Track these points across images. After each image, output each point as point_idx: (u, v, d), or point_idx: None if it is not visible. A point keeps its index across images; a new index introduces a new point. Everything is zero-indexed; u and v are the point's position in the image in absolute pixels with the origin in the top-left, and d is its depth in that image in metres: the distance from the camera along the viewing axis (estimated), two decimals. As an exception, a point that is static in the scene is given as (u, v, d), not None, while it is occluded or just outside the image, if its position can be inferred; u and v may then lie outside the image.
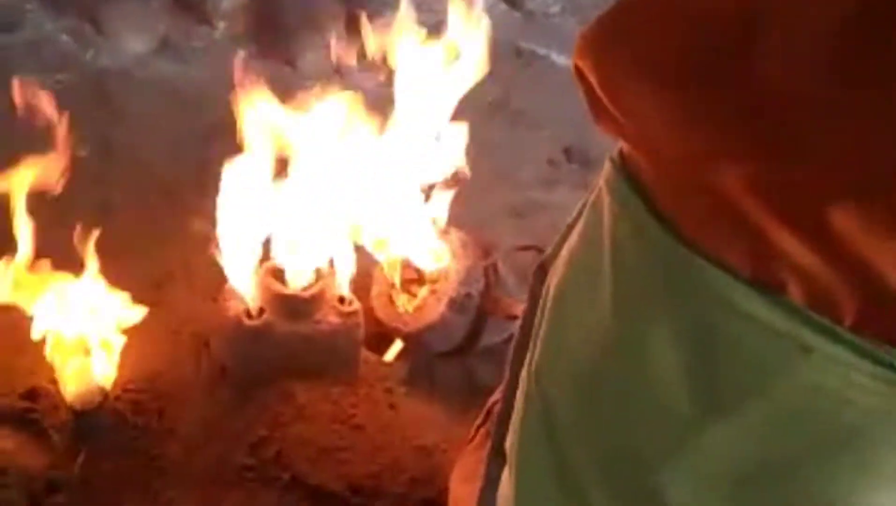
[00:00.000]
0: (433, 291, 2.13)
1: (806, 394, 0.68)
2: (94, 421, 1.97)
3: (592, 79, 0.72)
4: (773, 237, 0.63)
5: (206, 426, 2.02)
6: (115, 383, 2.04)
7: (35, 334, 1.96)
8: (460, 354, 2.13)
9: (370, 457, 1.96)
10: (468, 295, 2.12)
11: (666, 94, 0.66)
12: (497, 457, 1.08)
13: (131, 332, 2.06)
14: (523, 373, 0.88)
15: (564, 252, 0.85)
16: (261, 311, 2.02)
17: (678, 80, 0.65)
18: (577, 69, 0.74)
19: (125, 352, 2.05)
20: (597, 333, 0.77)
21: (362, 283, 2.18)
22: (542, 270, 0.93)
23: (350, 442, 1.99)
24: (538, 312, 0.87)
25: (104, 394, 1.99)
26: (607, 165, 0.78)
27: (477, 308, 2.11)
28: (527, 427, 0.87)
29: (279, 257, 2.02)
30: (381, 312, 2.16)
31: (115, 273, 2.04)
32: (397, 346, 2.17)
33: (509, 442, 0.90)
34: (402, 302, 2.15)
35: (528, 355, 0.87)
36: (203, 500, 1.88)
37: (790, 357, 0.67)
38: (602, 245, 0.76)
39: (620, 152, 0.77)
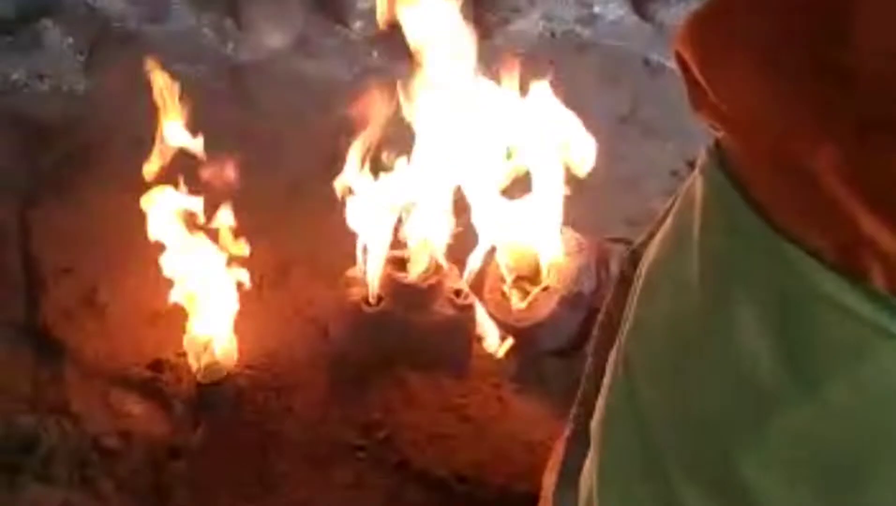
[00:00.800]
0: (545, 289, 2.13)
1: (889, 380, 0.68)
2: (216, 395, 2.03)
3: (692, 62, 0.73)
4: (860, 223, 0.64)
5: (321, 406, 2.07)
6: (238, 361, 2.10)
7: (172, 299, 2.03)
8: (570, 352, 2.12)
9: (476, 447, 1.98)
10: (579, 293, 2.12)
11: (763, 74, 0.66)
12: (577, 442, 1.10)
13: (256, 313, 2.14)
14: (611, 356, 0.89)
15: (657, 237, 0.86)
16: (379, 299, 2.06)
17: (776, 61, 0.65)
18: (679, 56, 0.75)
19: (249, 332, 2.12)
20: (684, 314, 0.78)
21: (477, 277, 2.20)
22: (635, 256, 0.94)
23: (458, 431, 2.01)
24: (629, 297, 0.88)
25: (227, 370, 2.06)
26: (703, 154, 0.78)
27: (588, 307, 2.11)
28: (613, 409, 0.87)
29: (406, 245, 2.06)
30: (494, 308, 2.16)
31: (243, 257, 2.13)
32: (508, 342, 2.17)
33: (594, 424, 0.90)
34: (515, 298, 2.15)
35: (617, 339, 0.87)
36: (315, 475, 1.92)
37: (873, 342, 0.67)
38: (692, 229, 0.77)
39: (716, 142, 0.78)
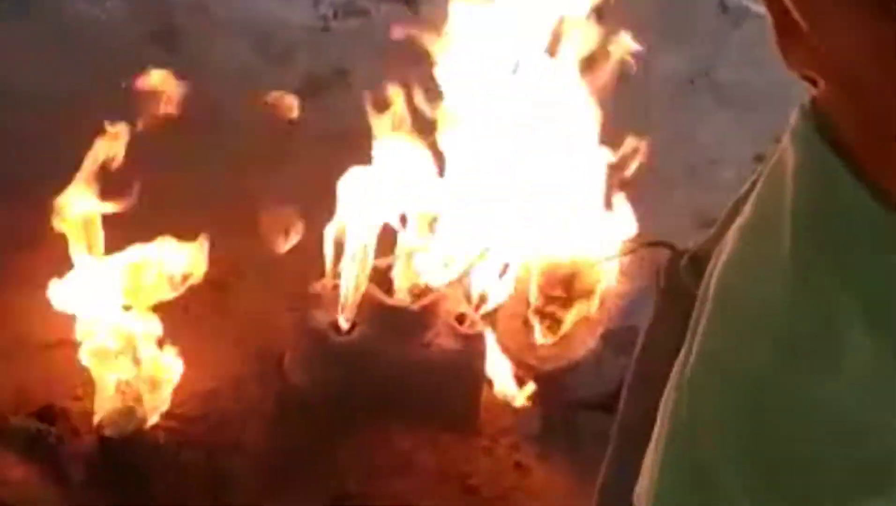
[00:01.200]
0: (585, 319, 2.13)
1: None
2: (126, 453, 1.97)
3: None
4: None
5: (272, 474, 2.00)
6: (158, 408, 2.03)
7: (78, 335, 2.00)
8: (614, 404, 1.95)
9: None
10: (631, 328, 2.08)
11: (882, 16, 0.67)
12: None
13: (185, 340, 2.06)
14: (667, 391, 0.89)
15: (730, 234, 0.86)
16: (353, 324, 2.03)
17: None
18: None
19: (175, 366, 2.06)
20: (772, 311, 0.79)
21: (491, 300, 2.18)
22: (697, 264, 0.97)
23: None
24: (694, 316, 0.88)
25: (141, 419, 1.99)
26: (795, 116, 0.80)
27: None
28: (670, 469, 0.87)
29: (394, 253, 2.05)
30: (512, 341, 2.16)
31: (171, 263, 2.10)
32: (530, 387, 2.17)
33: (639, 494, 0.91)
34: (541, 330, 2.16)
35: (675, 374, 0.88)
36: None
37: None
38: (782, 208, 0.78)
39: (813, 101, 0.79)
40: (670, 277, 1.09)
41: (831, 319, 0.77)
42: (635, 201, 2.20)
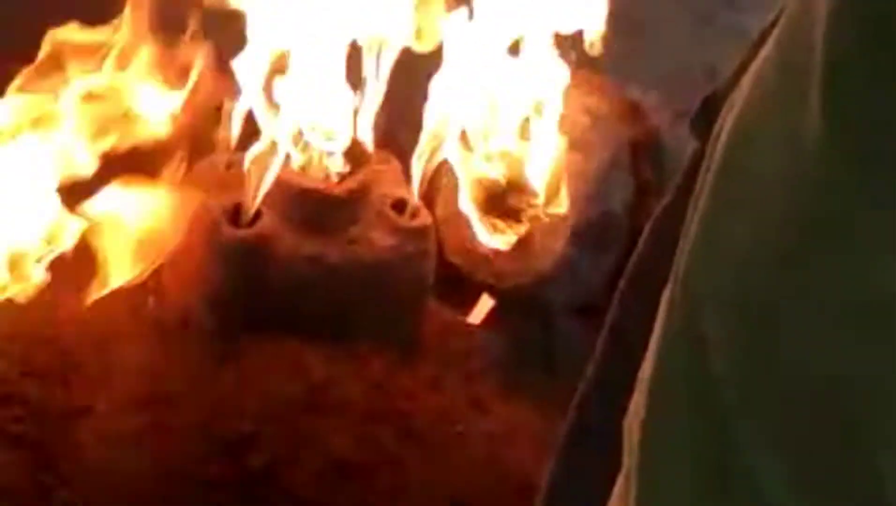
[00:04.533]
0: (538, 218, 2.00)
1: None
2: None
3: None
4: None
5: (146, 409, 1.83)
6: None
7: None
8: (599, 312, 1.75)
9: (428, 489, 1.82)
10: (605, 215, 2.00)
11: None
12: (575, 455, 1.02)
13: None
14: (667, 290, 0.76)
15: (751, 70, 0.75)
16: (257, 214, 1.85)
17: None
18: None
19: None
20: (796, 183, 0.67)
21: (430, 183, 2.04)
22: (708, 110, 0.83)
23: (395, 459, 1.82)
24: (699, 179, 0.76)
25: None
26: None
27: (626, 233, 2.03)
28: (666, 388, 0.75)
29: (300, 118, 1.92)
30: (455, 252, 2.02)
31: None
32: (487, 302, 2.04)
33: (630, 421, 0.77)
34: (490, 234, 2.01)
35: (675, 264, 0.76)
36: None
37: None
38: (812, 50, 0.65)
39: None
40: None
41: (874, 197, 0.63)
42: (632, 52, 2.11)
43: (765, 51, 0.75)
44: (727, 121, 0.76)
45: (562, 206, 2.02)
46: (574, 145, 2.03)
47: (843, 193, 0.66)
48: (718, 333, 0.72)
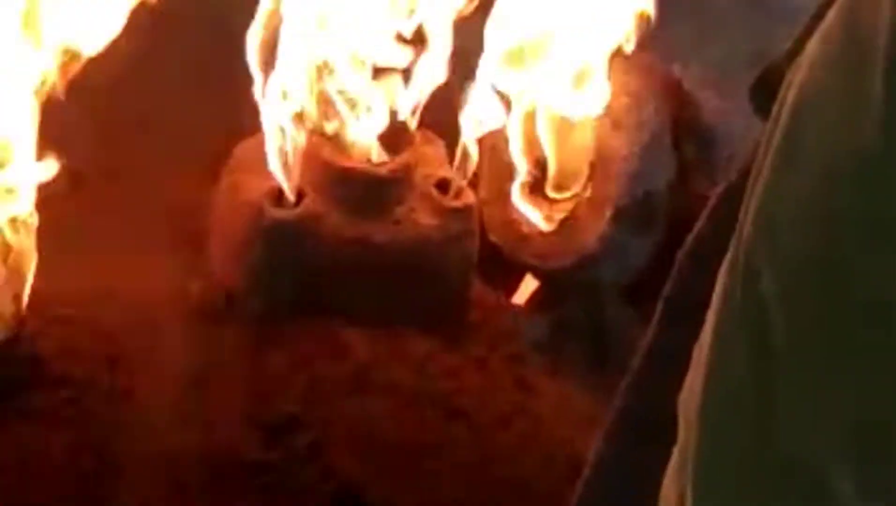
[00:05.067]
0: (581, 199, 1.99)
1: None
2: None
3: None
4: None
5: (191, 391, 1.84)
6: (37, 304, 1.85)
7: None
8: (642, 293, 1.91)
9: (474, 470, 1.81)
10: (648, 194, 1.97)
11: None
12: (625, 436, 1.04)
13: (67, 214, 1.89)
14: (726, 262, 0.77)
15: (810, 49, 0.76)
16: (300, 195, 1.85)
17: None
18: None
19: (56, 249, 1.85)
20: (859, 155, 0.68)
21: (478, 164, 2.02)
22: (766, 82, 0.83)
23: (441, 440, 1.82)
24: (761, 147, 0.76)
25: (17, 321, 1.82)
26: None
27: (666, 213, 2.00)
28: (725, 369, 0.76)
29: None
30: (498, 234, 2.02)
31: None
32: (531, 283, 2.05)
33: (684, 400, 0.79)
34: (533, 214, 2.01)
35: (735, 240, 0.76)
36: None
37: None
38: (879, 10, 0.67)
39: None
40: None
41: None
42: (680, 35, 2.09)
43: (825, 25, 0.75)
44: (788, 95, 0.76)
45: (605, 186, 2.01)
46: (616, 125, 2.02)
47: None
48: (779, 301, 0.73)
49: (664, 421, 0.84)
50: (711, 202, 1.01)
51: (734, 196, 0.88)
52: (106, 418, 1.85)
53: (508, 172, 2.05)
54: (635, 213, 1.99)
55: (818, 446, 0.72)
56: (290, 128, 1.92)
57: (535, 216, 2.04)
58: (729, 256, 0.79)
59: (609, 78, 2.10)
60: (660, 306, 1.06)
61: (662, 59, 2.17)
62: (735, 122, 1.88)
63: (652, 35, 2.11)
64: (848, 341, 0.71)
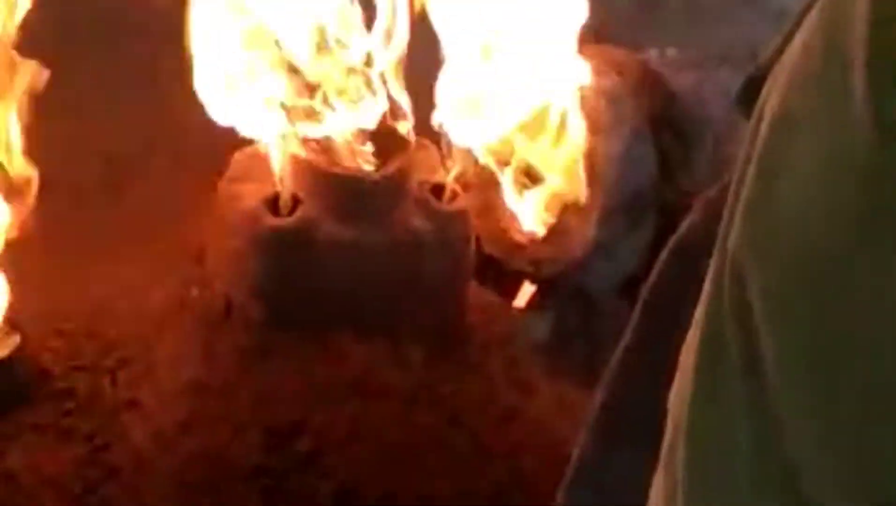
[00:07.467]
0: (569, 204, 2.02)
1: None
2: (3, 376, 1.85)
3: None
4: None
5: (193, 400, 1.84)
6: (38, 317, 1.89)
7: None
8: (635, 291, 1.84)
9: (473, 473, 1.82)
10: (634, 192, 2.01)
11: None
12: (607, 434, 1.00)
13: (67, 226, 1.91)
14: (712, 269, 0.72)
15: (793, 46, 0.71)
16: (294, 202, 1.85)
17: None
18: None
19: (58, 261, 1.90)
20: (841, 162, 0.62)
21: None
22: (752, 88, 0.76)
23: (440, 444, 1.83)
24: (745, 150, 0.70)
25: (18, 335, 1.83)
26: None
27: (658, 208, 2.03)
28: (710, 375, 0.70)
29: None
30: (491, 242, 2.05)
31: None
32: (529, 289, 2.07)
33: (673, 400, 0.74)
34: (523, 221, 2.06)
35: (718, 245, 0.71)
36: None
37: None
38: (851, 24, 0.62)
39: None
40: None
41: None
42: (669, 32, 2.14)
43: (806, 26, 0.72)
44: (770, 98, 0.73)
45: (590, 190, 2.02)
46: (594, 129, 2.03)
47: (891, 175, 0.62)
48: (765, 305, 0.67)
49: (643, 418, 0.80)
50: (700, 204, 0.98)
51: (723, 198, 0.99)
52: (108, 429, 1.85)
53: (493, 182, 2.07)
54: (623, 212, 2.02)
55: (812, 451, 0.66)
56: (286, 136, 1.90)
57: (526, 214, 2.05)
58: (714, 264, 0.76)
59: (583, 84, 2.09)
60: (638, 309, 1.01)
61: (645, 45, 2.19)
62: (714, 106, 1.90)
63: (640, 35, 2.12)
64: (842, 344, 0.65)
